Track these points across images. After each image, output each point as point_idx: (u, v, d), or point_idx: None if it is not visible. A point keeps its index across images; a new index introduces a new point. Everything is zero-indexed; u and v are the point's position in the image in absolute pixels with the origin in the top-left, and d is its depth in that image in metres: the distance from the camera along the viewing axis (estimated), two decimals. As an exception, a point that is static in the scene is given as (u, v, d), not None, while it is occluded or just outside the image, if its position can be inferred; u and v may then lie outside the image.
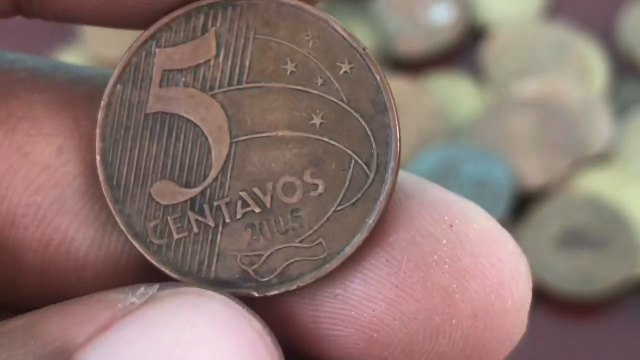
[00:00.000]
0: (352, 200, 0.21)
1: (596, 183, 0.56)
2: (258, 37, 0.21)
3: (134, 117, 0.22)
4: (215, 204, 0.21)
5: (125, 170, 0.22)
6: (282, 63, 0.21)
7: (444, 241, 0.22)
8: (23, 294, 0.23)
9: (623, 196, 0.55)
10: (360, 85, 0.21)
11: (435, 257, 0.21)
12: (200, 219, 0.22)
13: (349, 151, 0.21)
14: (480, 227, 0.22)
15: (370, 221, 0.21)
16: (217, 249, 0.22)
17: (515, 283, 0.22)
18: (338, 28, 0.21)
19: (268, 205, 0.21)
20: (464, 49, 0.62)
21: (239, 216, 0.21)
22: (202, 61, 0.21)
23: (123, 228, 0.22)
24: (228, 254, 0.22)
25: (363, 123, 0.21)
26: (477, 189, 0.55)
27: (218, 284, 0.21)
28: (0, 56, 0.23)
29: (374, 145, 0.21)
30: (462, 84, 0.60)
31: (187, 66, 0.21)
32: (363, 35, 0.60)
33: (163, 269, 0.22)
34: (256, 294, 0.21)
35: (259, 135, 0.21)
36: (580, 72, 0.59)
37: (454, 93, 0.60)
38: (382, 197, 0.21)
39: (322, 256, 0.21)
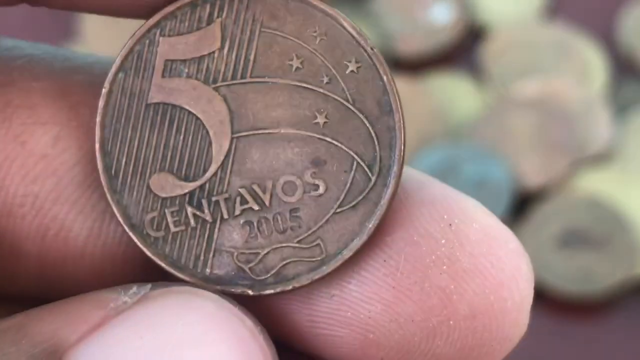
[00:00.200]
0: (353, 203, 0.21)
1: (596, 183, 0.56)
2: (264, 31, 0.21)
3: (135, 106, 0.21)
4: (213, 199, 0.21)
5: (124, 160, 0.21)
6: (288, 59, 0.21)
7: (443, 241, 0.21)
8: (21, 284, 0.23)
9: (623, 196, 0.55)
10: (366, 85, 0.21)
11: (434, 257, 0.21)
12: (198, 213, 0.21)
13: (351, 153, 0.21)
14: (480, 226, 0.21)
15: (370, 225, 0.21)
16: (213, 244, 0.21)
17: (516, 283, 0.21)
18: (347, 25, 0.21)
19: (267, 204, 0.21)
20: (464, 49, 0.62)
21: (237, 213, 0.21)
22: (206, 52, 0.21)
23: (120, 219, 0.21)
24: (224, 250, 0.21)
25: (367, 124, 0.21)
26: (477, 189, 0.55)
27: (213, 280, 0.21)
28: None
29: (377, 148, 0.21)
30: (462, 84, 0.60)
31: (191, 57, 0.21)
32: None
33: (159, 261, 0.21)
34: (251, 293, 0.21)
35: (260, 131, 0.21)
36: (580, 72, 0.59)
37: (454, 93, 0.60)
38: (384, 202, 0.21)
39: (319, 258, 0.21)
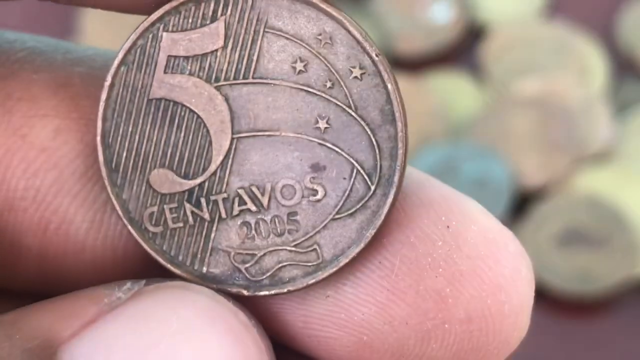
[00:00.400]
0: (351, 211, 0.21)
1: (596, 182, 0.56)
2: (268, 31, 0.21)
3: (137, 101, 0.21)
4: (212, 198, 0.21)
5: (124, 154, 0.21)
6: (291, 61, 0.21)
7: (440, 243, 0.21)
8: (22, 277, 0.23)
9: (623, 195, 0.55)
10: (369, 92, 0.21)
11: (430, 259, 0.21)
12: (196, 211, 0.21)
13: (351, 160, 0.21)
14: (479, 228, 0.21)
15: (368, 234, 0.21)
16: (210, 243, 0.21)
17: (515, 286, 0.21)
18: (352, 30, 0.21)
19: (265, 206, 0.21)
20: (464, 48, 0.62)
21: (235, 213, 0.21)
22: (209, 50, 0.21)
23: (119, 212, 0.21)
24: (221, 249, 0.21)
25: (369, 132, 0.21)
26: (477, 188, 0.55)
27: (209, 279, 0.21)
28: (0, 35, 0.23)
29: (378, 157, 0.21)
30: (462, 83, 0.60)
31: (194, 54, 0.21)
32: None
33: (156, 257, 0.21)
34: (246, 293, 0.21)
35: (261, 133, 0.21)
36: (580, 71, 0.59)
37: (454, 92, 0.60)
38: (382, 211, 0.21)
39: (315, 263, 0.21)
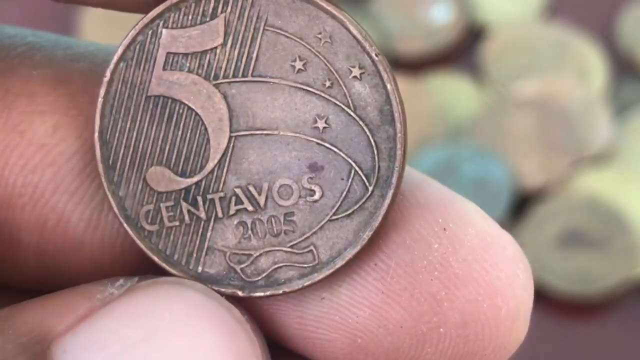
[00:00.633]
0: (348, 212, 0.21)
1: (595, 183, 0.56)
2: (268, 29, 0.21)
3: (135, 97, 0.21)
4: (209, 197, 0.21)
5: (122, 151, 0.21)
6: (291, 60, 0.21)
7: (436, 245, 0.21)
8: (21, 274, 0.23)
9: (622, 196, 0.55)
10: (369, 92, 0.20)
11: (426, 262, 0.21)
12: (192, 210, 0.21)
13: (349, 160, 0.21)
14: (477, 230, 0.21)
15: (364, 235, 0.21)
16: (206, 242, 0.21)
17: (511, 290, 0.21)
18: (352, 29, 0.20)
19: (262, 205, 0.21)
20: (464, 49, 0.62)
21: (231, 212, 0.21)
22: (208, 48, 0.21)
23: (115, 210, 0.21)
24: (217, 249, 0.21)
25: (367, 133, 0.21)
26: (477, 189, 0.55)
27: (204, 278, 0.21)
28: (0, 30, 0.23)
29: (376, 158, 0.21)
30: (462, 84, 0.60)
31: (193, 51, 0.21)
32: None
33: (152, 255, 0.21)
34: (241, 294, 0.21)
35: (259, 132, 0.21)
36: (579, 72, 0.59)
37: (454, 93, 0.60)
38: (379, 213, 0.21)
39: (311, 264, 0.21)
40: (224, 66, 0.21)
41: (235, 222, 0.21)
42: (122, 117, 0.21)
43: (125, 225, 0.21)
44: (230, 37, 0.21)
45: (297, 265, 0.21)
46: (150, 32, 0.21)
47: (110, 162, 0.21)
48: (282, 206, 0.21)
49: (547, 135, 0.57)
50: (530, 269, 0.21)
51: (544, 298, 0.53)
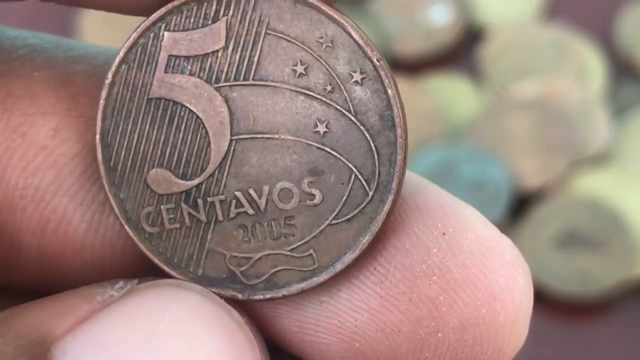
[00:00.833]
0: (348, 216, 0.21)
1: (594, 184, 0.56)
2: (270, 33, 0.21)
3: (137, 100, 0.21)
4: (209, 200, 0.21)
5: (123, 153, 0.21)
6: (292, 64, 0.21)
7: (435, 250, 0.21)
8: (22, 276, 0.23)
9: (621, 197, 0.55)
10: (370, 97, 0.20)
11: (424, 266, 0.21)
12: (193, 213, 0.21)
13: (350, 165, 0.21)
14: (476, 235, 0.21)
15: (364, 240, 0.21)
16: (206, 245, 0.21)
17: (510, 295, 0.21)
18: (354, 34, 0.20)
19: (262, 209, 0.21)
20: (463, 50, 0.62)
21: (232, 215, 0.21)
22: (210, 51, 0.21)
23: (116, 212, 0.21)
24: (217, 252, 0.21)
25: (368, 138, 0.20)
26: (476, 190, 0.55)
27: (204, 281, 0.21)
28: (1, 32, 0.23)
29: (377, 163, 0.20)
30: (461, 85, 0.60)
31: (195, 54, 0.21)
32: (362, 36, 0.60)
33: (152, 257, 0.21)
34: (240, 297, 0.21)
35: (260, 135, 0.21)
36: (578, 73, 0.59)
37: (452, 94, 0.60)
38: (379, 218, 0.21)
39: (311, 268, 0.21)
40: (225, 69, 0.21)
41: (236, 225, 0.21)
42: (123, 120, 0.21)
43: (126, 227, 0.21)
44: (232, 41, 0.21)
45: (297, 268, 0.21)
46: (152, 35, 0.21)
47: (112, 164, 0.21)
48: (282, 210, 0.21)
49: (546, 136, 0.57)
50: (530, 274, 0.21)
51: (542, 299, 0.53)
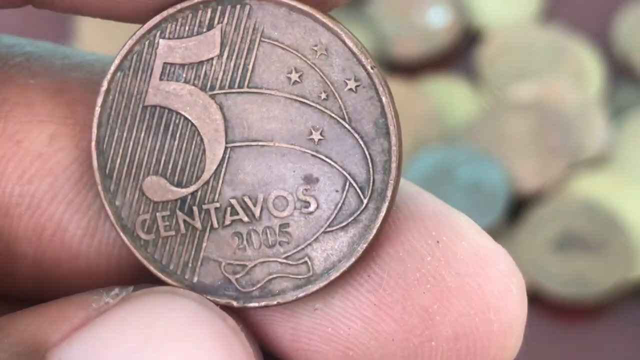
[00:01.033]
0: (343, 224, 0.21)
1: (592, 186, 0.56)
2: (264, 41, 0.21)
3: (132, 107, 0.21)
4: (204, 207, 0.21)
5: (118, 160, 0.21)
6: (287, 71, 0.21)
7: (429, 258, 0.21)
8: (18, 283, 0.23)
9: (618, 199, 0.55)
10: (364, 105, 0.20)
11: (418, 274, 0.21)
12: (188, 220, 0.21)
13: (344, 173, 0.21)
14: (470, 244, 0.21)
15: (359, 248, 0.21)
16: (202, 252, 0.21)
17: (504, 305, 0.21)
18: (348, 41, 0.20)
19: (257, 217, 0.21)
20: (460, 52, 0.62)
21: (227, 223, 0.21)
22: (205, 58, 0.21)
23: (112, 219, 0.21)
24: (212, 259, 0.21)
25: (362, 145, 0.21)
26: (473, 192, 0.55)
27: (199, 289, 0.21)
28: None
29: (371, 171, 0.21)
30: (458, 87, 0.60)
31: (189, 62, 0.21)
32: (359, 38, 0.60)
33: (147, 265, 0.21)
34: (235, 304, 0.21)
35: (254, 143, 0.21)
36: (576, 75, 0.59)
37: (450, 96, 0.60)
38: (374, 226, 0.21)
39: (305, 276, 0.21)
40: (220, 77, 0.21)
41: (231, 233, 0.21)
42: (118, 127, 0.21)
43: (121, 234, 0.21)
44: (227, 48, 0.21)
45: (292, 276, 0.21)
46: (147, 42, 0.21)
47: (107, 171, 0.21)
48: (277, 217, 0.21)
49: (543, 138, 0.57)
50: (524, 284, 0.21)
51: (540, 301, 0.53)
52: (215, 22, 0.21)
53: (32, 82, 0.22)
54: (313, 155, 0.21)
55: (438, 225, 0.21)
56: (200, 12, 0.21)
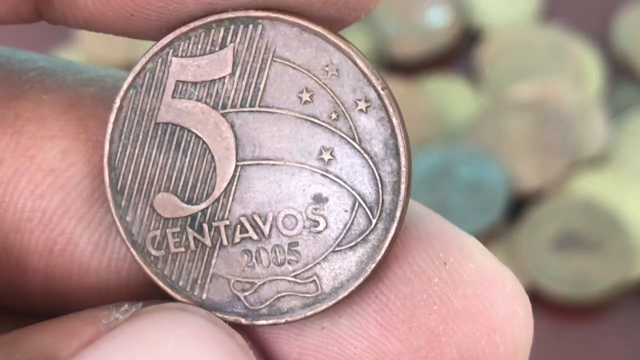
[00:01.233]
0: (352, 244, 0.21)
1: (591, 185, 0.56)
2: (276, 61, 0.21)
3: (144, 124, 0.21)
4: (214, 224, 0.21)
5: (130, 177, 0.21)
6: (298, 91, 0.21)
7: (436, 280, 0.21)
8: (28, 297, 0.23)
9: (618, 199, 0.55)
10: (374, 126, 0.21)
11: (425, 296, 0.21)
12: (198, 237, 0.21)
13: (354, 193, 0.21)
14: (477, 266, 0.21)
15: (367, 268, 0.21)
16: (211, 269, 0.21)
17: (510, 327, 0.21)
18: (359, 62, 0.21)
19: (266, 235, 0.21)
20: (460, 52, 0.62)
21: (236, 240, 0.21)
22: (217, 77, 0.21)
23: (123, 235, 0.21)
24: (221, 276, 0.21)
25: (372, 166, 0.21)
26: (473, 192, 0.55)
27: (208, 305, 0.21)
28: (11, 55, 0.23)
29: (380, 191, 0.21)
30: (458, 87, 0.60)
31: (202, 80, 0.21)
32: (359, 39, 0.60)
33: (157, 281, 0.21)
34: (244, 321, 0.21)
35: (265, 162, 0.21)
36: (575, 75, 0.59)
37: (450, 96, 0.60)
38: (383, 246, 0.21)
39: (314, 295, 0.21)
40: (231, 96, 0.21)
41: (240, 250, 0.21)
42: (130, 143, 0.21)
43: (132, 250, 0.22)
44: (239, 67, 0.21)
45: (300, 295, 0.21)
46: (160, 60, 0.21)
47: (119, 187, 0.21)
48: (286, 236, 0.21)
49: (542, 138, 0.57)
50: (530, 306, 0.21)
51: (540, 300, 0.53)
52: (228, 41, 0.21)
53: (45, 97, 0.23)
54: (323, 175, 0.21)
55: (445, 246, 0.21)
56: (213, 31, 0.21)
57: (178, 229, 0.21)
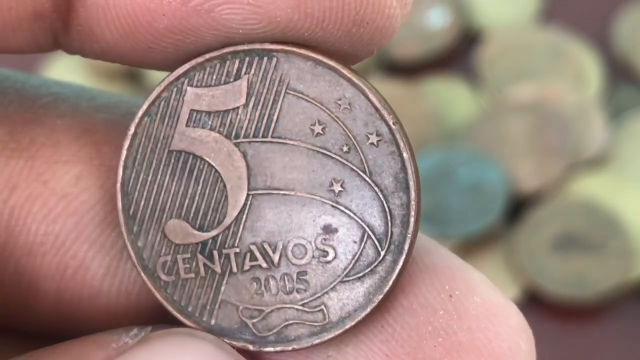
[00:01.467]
0: (360, 275, 0.21)
1: (591, 187, 0.56)
2: (289, 93, 0.21)
3: (157, 151, 0.22)
4: (224, 252, 0.21)
5: (142, 202, 0.22)
6: (310, 123, 0.21)
7: (442, 312, 0.21)
8: (39, 319, 0.23)
9: (618, 200, 0.55)
10: (385, 159, 0.21)
11: (430, 328, 0.21)
12: (208, 263, 0.22)
13: (363, 224, 0.21)
14: (482, 299, 0.21)
15: (375, 299, 0.21)
16: (220, 296, 0.22)
17: None
18: (372, 97, 0.21)
19: (276, 263, 0.21)
20: (459, 53, 0.62)
21: (246, 268, 0.21)
22: (231, 107, 0.21)
23: (134, 259, 0.22)
24: (230, 303, 0.22)
25: (382, 198, 0.21)
26: (473, 193, 0.55)
27: (216, 331, 0.21)
28: (25, 81, 0.23)
29: (389, 223, 0.21)
30: (457, 88, 0.60)
31: (216, 110, 0.21)
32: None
33: (167, 305, 0.22)
34: (251, 348, 0.21)
35: (276, 191, 0.21)
36: (575, 76, 0.59)
37: (449, 97, 0.60)
38: (390, 278, 0.21)
39: (321, 324, 0.21)
40: (245, 126, 0.21)
41: (249, 278, 0.21)
42: (144, 170, 0.22)
43: (142, 274, 0.22)
44: (253, 98, 0.21)
45: (308, 323, 0.21)
46: (175, 89, 0.21)
47: (131, 213, 0.22)
48: (295, 265, 0.21)
49: (542, 139, 0.57)
50: (533, 340, 0.22)
51: (539, 302, 0.53)
52: (243, 72, 0.21)
53: (59, 122, 0.23)
54: (333, 206, 0.21)
55: (452, 279, 0.21)
56: (228, 62, 0.21)
57: (188, 255, 0.22)
